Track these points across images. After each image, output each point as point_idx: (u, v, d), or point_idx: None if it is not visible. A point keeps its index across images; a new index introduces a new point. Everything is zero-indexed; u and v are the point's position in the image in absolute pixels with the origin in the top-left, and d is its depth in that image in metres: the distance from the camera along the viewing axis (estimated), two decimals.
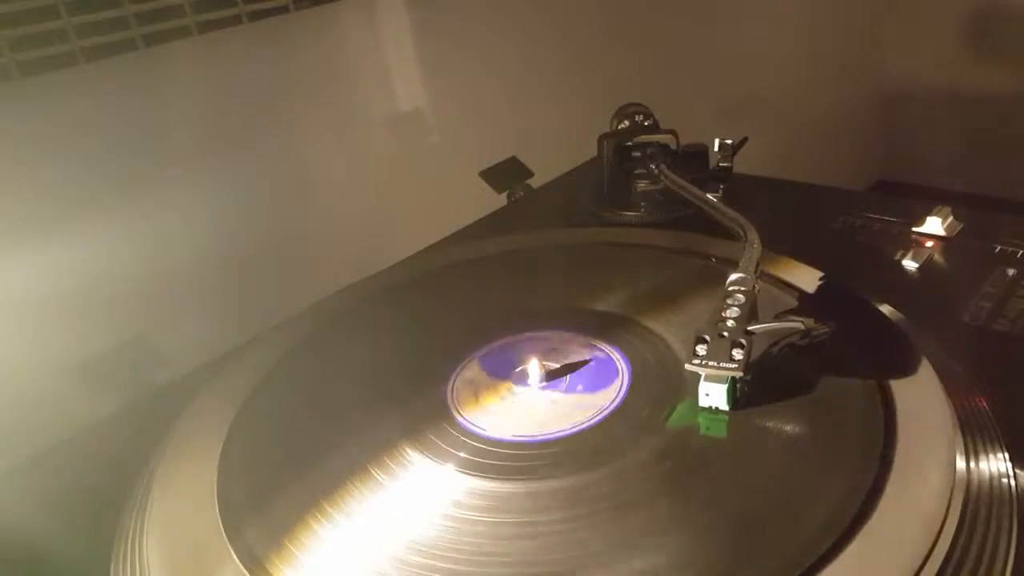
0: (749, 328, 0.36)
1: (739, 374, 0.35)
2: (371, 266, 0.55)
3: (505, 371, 0.41)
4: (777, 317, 0.41)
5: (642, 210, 0.61)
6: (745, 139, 0.63)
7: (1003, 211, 0.55)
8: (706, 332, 0.36)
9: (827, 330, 0.40)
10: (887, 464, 0.32)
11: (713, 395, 0.36)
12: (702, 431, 0.35)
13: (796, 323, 0.38)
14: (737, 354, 0.35)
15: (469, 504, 0.33)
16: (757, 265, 0.41)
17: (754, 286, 0.39)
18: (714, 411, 0.36)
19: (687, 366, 0.36)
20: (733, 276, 0.39)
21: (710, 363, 0.35)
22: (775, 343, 0.39)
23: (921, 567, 0.27)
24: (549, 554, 0.30)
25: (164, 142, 0.63)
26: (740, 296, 0.38)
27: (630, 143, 0.62)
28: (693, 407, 0.36)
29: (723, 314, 0.37)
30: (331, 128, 0.77)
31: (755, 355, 0.36)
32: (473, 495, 0.33)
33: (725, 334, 0.36)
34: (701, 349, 0.36)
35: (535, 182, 0.69)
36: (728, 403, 0.36)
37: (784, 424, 0.35)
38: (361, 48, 0.79)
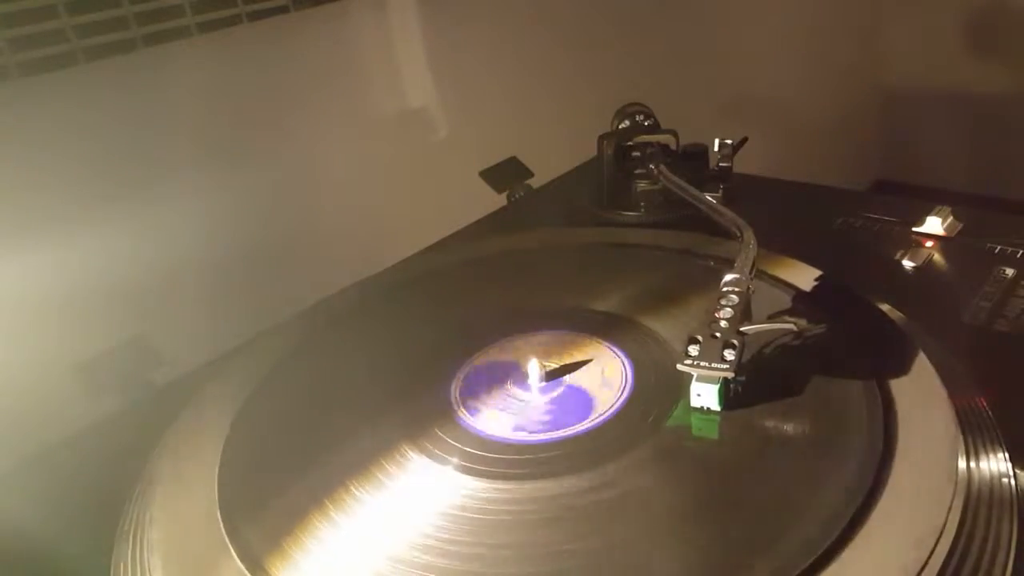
0: (741, 329, 0.36)
1: (730, 375, 0.35)
2: (371, 266, 0.55)
3: (505, 371, 0.41)
4: (770, 318, 0.41)
5: (642, 210, 0.61)
6: (745, 139, 0.63)
7: (1003, 211, 0.55)
8: (698, 332, 0.36)
9: (820, 330, 0.40)
10: (887, 464, 0.32)
11: (704, 395, 0.36)
12: (694, 432, 0.35)
13: (788, 324, 0.38)
14: (728, 354, 0.35)
15: (469, 504, 0.33)
16: (752, 266, 0.41)
17: (748, 287, 0.39)
18: (705, 411, 0.36)
19: (679, 366, 0.36)
20: (727, 277, 0.39)
21: (701, 363, 0.35)
22: (768, 343, 0.39)
23: (922, 568, 0.27)
24: (549, 554, 0.30)
25: (164, 142, 0.63)
26: (733, 297, 0.38)
27: (630, 143, 0.62)
28: (688, 407, 0.36)
29: (716, 315, 0.37)
30: (330, 128, 0.77)
31: (749, 355, 0.36)
32: (473, 495, 0.33)
33: (717, 335, 0.36)
34: (693, 349, 0.36)
35: (535, 182, 0.69)
36: (719, 403, 0.36)
37: (783, 424, 0.35)
38: (360, 48, 0.79)
